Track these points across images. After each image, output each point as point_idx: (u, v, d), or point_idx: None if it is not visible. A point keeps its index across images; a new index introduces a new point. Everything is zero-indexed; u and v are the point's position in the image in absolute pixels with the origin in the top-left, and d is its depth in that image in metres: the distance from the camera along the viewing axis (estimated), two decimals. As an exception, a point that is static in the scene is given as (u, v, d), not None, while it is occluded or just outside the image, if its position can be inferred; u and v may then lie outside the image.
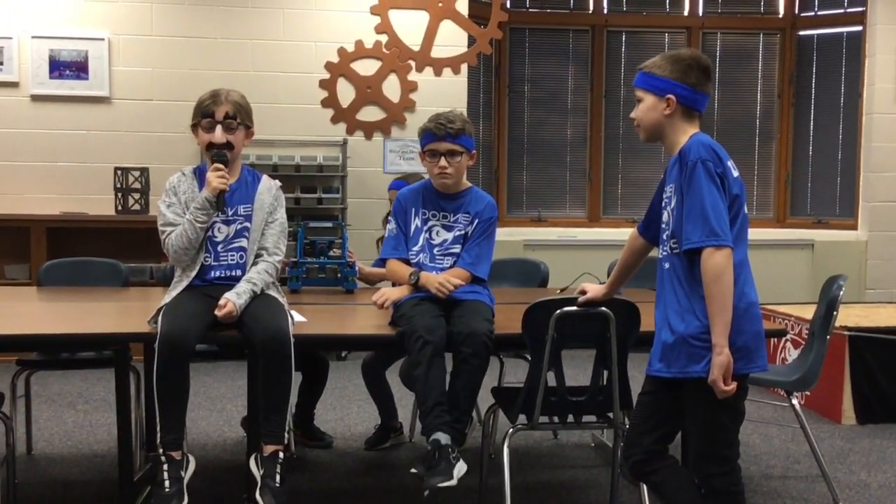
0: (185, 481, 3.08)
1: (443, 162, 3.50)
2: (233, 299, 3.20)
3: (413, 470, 3.20)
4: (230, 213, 3.43)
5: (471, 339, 3.19)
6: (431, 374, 3.20)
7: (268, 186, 3.55)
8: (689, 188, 2.60)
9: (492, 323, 3.32)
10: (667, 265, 2.73)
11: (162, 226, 3.39)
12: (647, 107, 2.75)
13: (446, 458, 3.11)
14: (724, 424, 2.70)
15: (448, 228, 3.56)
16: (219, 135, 3.40)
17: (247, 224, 3.45)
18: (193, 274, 3.36)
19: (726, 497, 2.71)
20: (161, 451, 3.09)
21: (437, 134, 3.50)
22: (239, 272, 3.41)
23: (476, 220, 3.55)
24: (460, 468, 3.13)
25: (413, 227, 3.60)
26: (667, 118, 2.72)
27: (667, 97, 2.70)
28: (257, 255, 3.45)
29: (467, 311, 3.33)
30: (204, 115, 3.41)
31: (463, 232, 3.56)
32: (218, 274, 3.40)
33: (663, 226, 2.76)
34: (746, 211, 2.72)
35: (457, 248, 3.55)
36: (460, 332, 3.21)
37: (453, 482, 3.06)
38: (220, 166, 3.36)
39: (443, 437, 3.16)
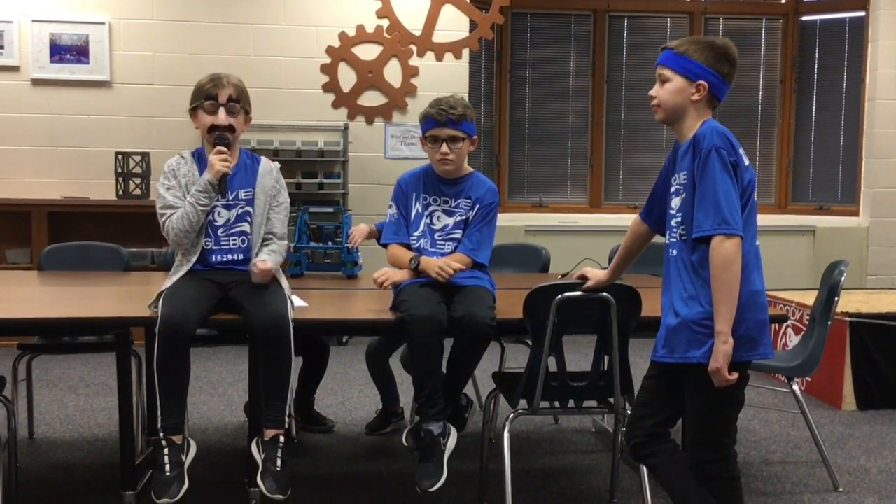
0: (186, 466, 3.08)
1: (444, 148, 3.49)
2: (267, 258, 3.28)
3: (405, 441, 3.35)
4: (231, 198, 3.41)
5: (472, 326, 3.19)
6: (429, 362, 3.23)
7: (268, 169, 3.53)
8: (702, 176, 2.58)
9: (493, 309, 3.31)
10: (674, 251, 2.72)
11: (161, 209, 3.37)
12: (676, 88, 2.70)
13: (438, 453, 3.19)
14: (723, 412, 2.70)
15: (449, 213, 3.55)
16: (223, 117, 3.37)
17: (248, 209, 3.44)
18: (194, 258, 3.35)
19: (720, 482, 2.72)
20: (162, 435, 3.10)
21: (438, 120, 3.49)
22: (241, 256, 3.41)
23: (477, 206, 3.55)
24: (450, 445, 3.25)
25: (414, 212, 3.59)
26: (693, 103, 2.69)
27: (698, 83, 2.67)
28: (265, 240, 3.44)
29: (468, 296, 3.33)
30: (207, 97, 3.38)
31: (464, 217, 3.55)
32: (219, 258, 3.40)
33: (672, 212, 2.74)
34: (755, 199, 2.70)
35: (458, 234, 3.54)
36: (462, 317, 3.20)
37: (443, 479, 3.17)
38: (223, 149, 3.34)
39: (436, 428, 3.22)
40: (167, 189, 3.39)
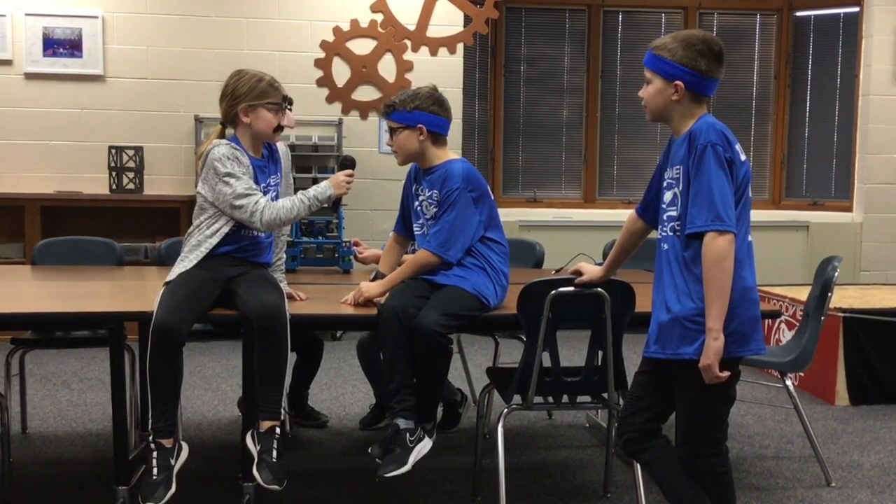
0: (176, 469, 3.08)
1: (389, 139, 3.55)
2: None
3: (370, 450, 3.30)
4: (262, 186, 3.43)
5: (419, 330, 3.18)
6: (395, 355, 3.23)
7: (284, 152, 3.64)
8: (697, 171, 2.58)
9: (454, 316, 3.25)
10: (665, 246, 2.72)
11: (246, 191, 3.28)
12: (656, 90, 2.71)
13: (402, 444, 3.18)
14: (714, 407, 2.71)
15: (430, 203, 3.53)
16: (292, 118, 3.51)
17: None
18: (216, 241, 3.33)
19: (712, 477, 2.73)
20: (151, 437, 3.10)
21: (384, 114, 3.57)
22: (266, 237, 3.46)
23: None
24: (421, 448, 3.22)
25: (415, 202, 3.61)
26: (674, 103, 2.69)
27: (675, 83, 2.67)
28: None
29: (436, 297, 3.31)
30: (283, 98, 3.43)
31: (438, 209, 3.50)
32: (247, 243, 3.41)
33: (664, 206, 2.74)
34: (749, 194, 2.71)
35: None
36: (414, 319, 3.20)
37: (405, 468, 3.15)
38: (353, 173, 3.49)
39: (402, 422, 3.21)
40: (242, 174, 3.32)
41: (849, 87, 7.57)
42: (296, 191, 3.50)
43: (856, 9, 7.49)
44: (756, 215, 2.81)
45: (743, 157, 2.65)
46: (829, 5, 7.65)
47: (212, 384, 5.35)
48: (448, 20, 7.07)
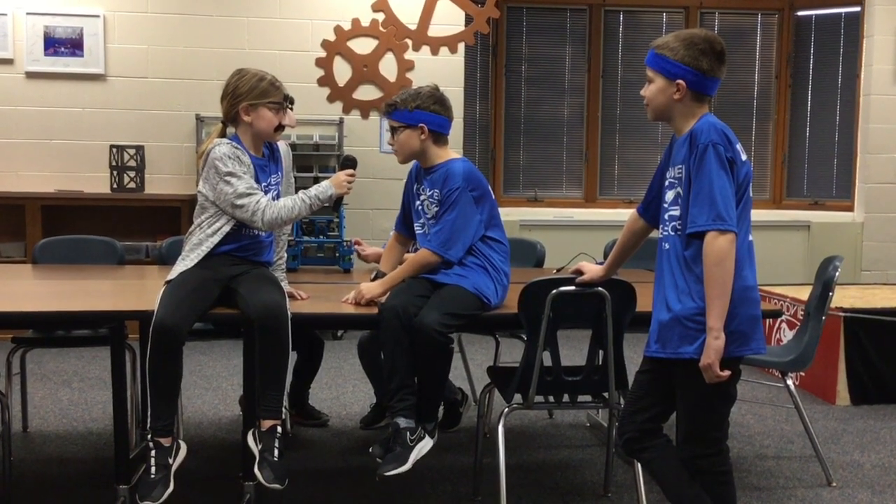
0: (174, 468, 3.08)
1: (391, 138, 3.54)
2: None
3: (370, 449, 3.30)
4: (263, 185, 3.43)
5: (419, 330, 3.18)
6: (396, 354, 3.22)
7: (285, 152, 3.66)
8: (698, 171, 2.58)
9: (455, 315, 3.24)
10: (666, 245, 2.72)
11: (248, 190, 3.27)
12: (658, 89, 2.71)
13: (402, 443, 3.18)
14: (715, 407, 2.70)
15: (432, 202, 3.53)
16: (293, 118, 3.51)
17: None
18: (217, 240, 3.33)
19: (712, 477, 2.73)
20: (150, 436, 3.10)
21: (385, 113, 3.57)
22: (267, 236, 3.46)
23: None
24: (422, 448, 3.22)
25: (416, 202, 3.60)
26: (676, 101, 2.69)
27: (677, 82, 2.67)
28: None
29: (437, 297, 3.31)
30: (284, 97, 3.43)
31: (439, 208, 3.50)
32: (248, 242, 3.41)
33: (665, 205, 2.75)
34: (750, 193, 2.71)
35: None
36: (415, 318, 3.20)
37: (406, 467, 3.15)
38: (354, 172, 3.47)
39: (402, 421, 3.21)
40: (243, 173, 3.31)
41: (850, 87, 7.56)
42: (297, 190, 3.50)
43: (857, 8, 7.48)
44: (757, 215, 2.81)
45: (744, 157, 2.65)
46: (831, 5, 7.65)
47: (212, 383, 5.35)
48: (449, 19, 7.07)
